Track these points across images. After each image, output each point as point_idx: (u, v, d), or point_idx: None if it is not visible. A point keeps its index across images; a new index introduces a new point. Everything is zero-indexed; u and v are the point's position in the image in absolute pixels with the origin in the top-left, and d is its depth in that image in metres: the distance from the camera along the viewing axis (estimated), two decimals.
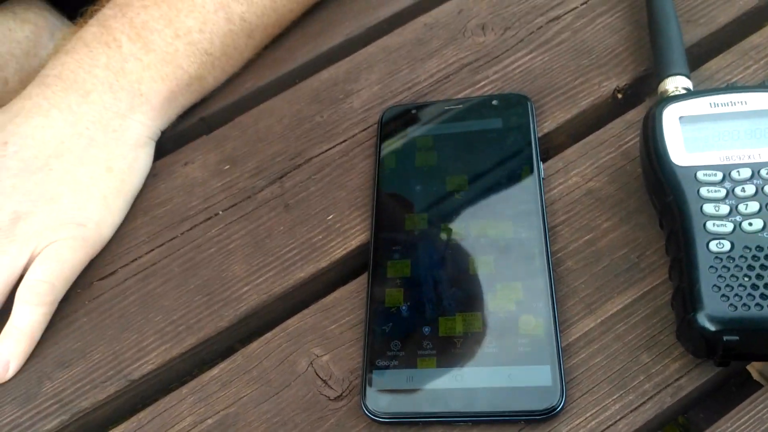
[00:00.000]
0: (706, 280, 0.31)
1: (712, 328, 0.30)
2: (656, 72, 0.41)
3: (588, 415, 0.32)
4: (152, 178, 0.45)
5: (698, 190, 0.33)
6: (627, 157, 0.39)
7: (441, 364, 0.34)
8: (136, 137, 0.43)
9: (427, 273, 0.37)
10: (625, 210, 0.38)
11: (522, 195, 0.38)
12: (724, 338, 0.30)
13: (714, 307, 0.30)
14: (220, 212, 0.42)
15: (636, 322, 0.34)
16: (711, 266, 0.31)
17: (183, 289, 0.40)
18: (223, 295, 0.39)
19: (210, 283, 0.40)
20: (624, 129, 0.41)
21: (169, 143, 0.46)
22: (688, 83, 0.39)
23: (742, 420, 0.31)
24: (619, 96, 0.42)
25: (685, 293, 0.31)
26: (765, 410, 0.31)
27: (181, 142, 0.46)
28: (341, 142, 0.44)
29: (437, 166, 0.40)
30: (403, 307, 0.36)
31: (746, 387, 0.34)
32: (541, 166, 0.39)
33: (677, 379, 0.32)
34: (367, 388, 0.34)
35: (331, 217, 0.41)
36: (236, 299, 0.39)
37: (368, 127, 0.44)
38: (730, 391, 0.34)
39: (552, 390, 0.32)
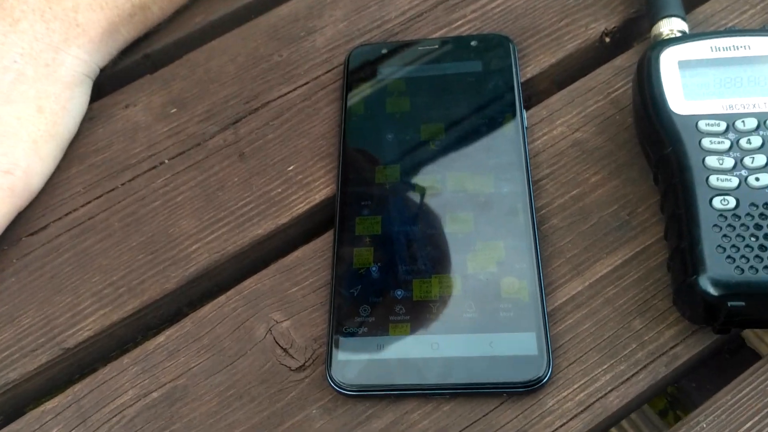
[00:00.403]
0: (710, 240, 0.28)
1: (715, 292, 0.27)
2: (649, 13, 0.37)
3: (576, 386, 0.30)
4: (89, 121, 0.40)
5: (700, 141, 0.31)
6: (616, 106, 0.36)
7: (415, 331, 0.31)
8: (71, 74, 0.38)
9: (400, 231, 0.33)
10: (615, 163, 0.35)
11: (503, 145, 0.35)
12: (729, 304, 0.27)
13: (718, 270, 0.27)
14: (166, 161, 0.38)
15: (627, 285, 0.32)
16: (715, 225, 0.28)
17: (124, 247, 0.36)
18: (169, 254, 0.35)
19: (155, 240, 0.35)
20: (613, 75, 0.37)
21: (108, 82, 0.41)
22: (684, 26, 0.36)
23: (744, 392, 0.28)
24: (607, 40, 0.39)
25: (685, 254, 0.29)
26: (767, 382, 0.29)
27: (122, 81, 0.41)
28: (303, 85, 0.39)
29: (410, 112, 0.37)
30: (373, 268, 0.32)
31: (740, 354, 0.32)
32: (524, 114, 0.36)
33: (672, 347, 0.30)
34: (333, 357, 0.31)
35: (291, 167, 0.37)
36: (184, 258, 0.35)
37: (333, 69, 0.40)
38: (722, 359, 0.32)
39: (537, 359, 0.29)
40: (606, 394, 0.29)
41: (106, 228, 0.36)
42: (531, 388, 0.29)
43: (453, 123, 0.36)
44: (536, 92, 0.38)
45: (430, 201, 0.34)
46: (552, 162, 0.35)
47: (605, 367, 0.30)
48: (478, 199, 0.33)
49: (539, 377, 0.29)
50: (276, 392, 0.31)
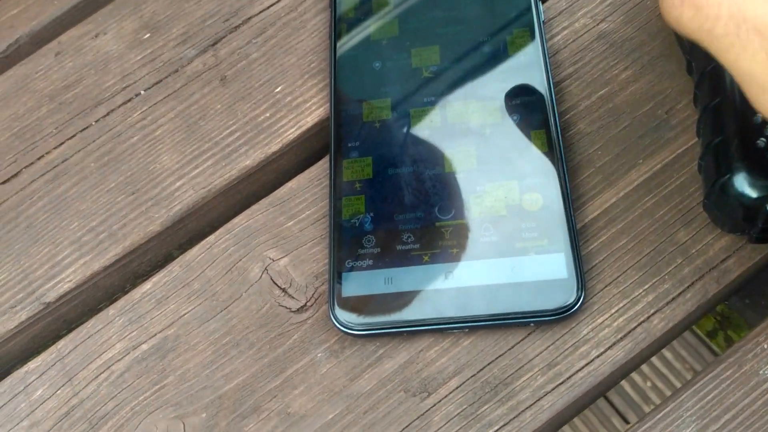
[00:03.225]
0: (750, 132, 0.24)
1: (753, 193, 0.23)
2: None
3: (614, 311, 0.26)
4: (56, 56, 0.36)
5: None
6: None
7: (427, 260, 0.27)
8: None
9: (401, 154, 0.29)
10: (648, 55, 0.30)
11: (518, 43, 0.30)
12: None
13: (759, 167, 0.23)
14: (142, 92, 0.34)
15: (668, 193, 0.27)
16: (757, 114, 0.24)
17: (102, 189, 0.32)
18: (151, 193, 0.32)
19: (134, 179, 0.32)
20: None
21: (75, 12, 0.37)
22: None
23: None
24: None
25: (719, 150, 0.24)
26: None
27: (88, 9, 0.37)
28: None
29: (414, 5, 0.32)
30: None
31: None
32: (540, 6, 0.31)
33: (723, 261, 0.26)
34: (337, 294, 0.27)
35: (279, 89, 0.33)
36: (168, 197, 0.31)
37: None
38: None
39: (567, 283, 0.26)
40: (649, 317, 0.26)
41: (81, 170, 0.33)
42: (561, 316, 0.25)
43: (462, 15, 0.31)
44: None
45: (436, 85, 0.30)
46: (575, 59, 0.30)
47: (647, 287, 0.26)
48: (492, 104, 0.29)
49: (570, 303, 0.25)
50: (276, 337, 0.28)
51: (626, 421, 0.85)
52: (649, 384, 0.87)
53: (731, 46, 0.19)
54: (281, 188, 0.31)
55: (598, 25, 0.31)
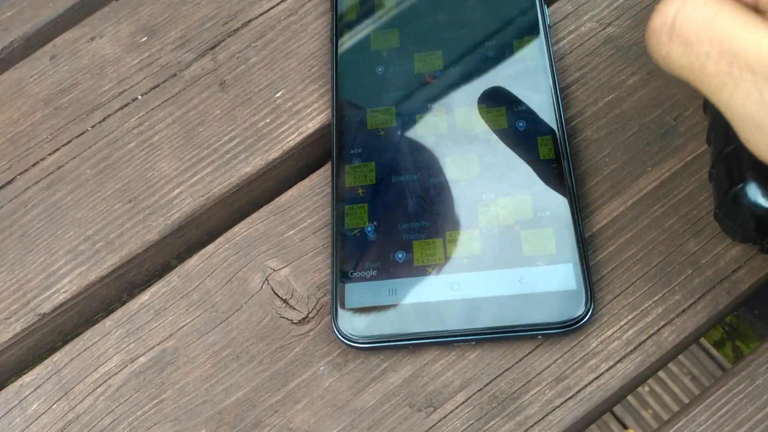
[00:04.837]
0: None
1: (766, 204, 0.23)
2: None
3: (623, 323, 0.25)
4: (51, 59, 0.35)
5: None
6: None
7: (432, 271, 0.26)
8: None
9: (406, 155, 0.29)
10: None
11: (523, 49, 0.30)
12: None
13: None
14: (139, 97, 0.33)
15: (677, 201, 0.27)
16: None
17: (98, 196, 0.31)
18: (149, 201, 0.31)
19: (131, 187, 0.31)
20: None
21: (69, 14, 0.37)
22: None
23: None
24: None
25: (731, 159, 0.24)
26: None
27: (84, 11, 0.36)
28: None
29: (417, 6, 0.31)
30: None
31: None
32: (546, 10, 0.30)
33: (734, 271, 0.26)
34: (339, 306, 0.27)
35: (279, 94, 0.32)
36: (166, 205, 0.31)
37: None
38: None
39: (576, 294, 0.25)
40: (659, 329, 0.25)
41: (77, 177, 0.32)
42: (570, 328, 0.25)
43: (469, 29, 0.31)
44: None
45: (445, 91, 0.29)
46: (581, 64, 0.30)
47: (656, 298, 0.25)
48: (497, 110, 0.29)
49: (579, 315, 0.25)
50: (278, 349, 0.27)
51: (624, 426, 0.85)
52: (647, 389, 0.87)
53: (723, 85, 0.18)
54: (282, 196, 0.30)
55: (604, 29, 0.30)
